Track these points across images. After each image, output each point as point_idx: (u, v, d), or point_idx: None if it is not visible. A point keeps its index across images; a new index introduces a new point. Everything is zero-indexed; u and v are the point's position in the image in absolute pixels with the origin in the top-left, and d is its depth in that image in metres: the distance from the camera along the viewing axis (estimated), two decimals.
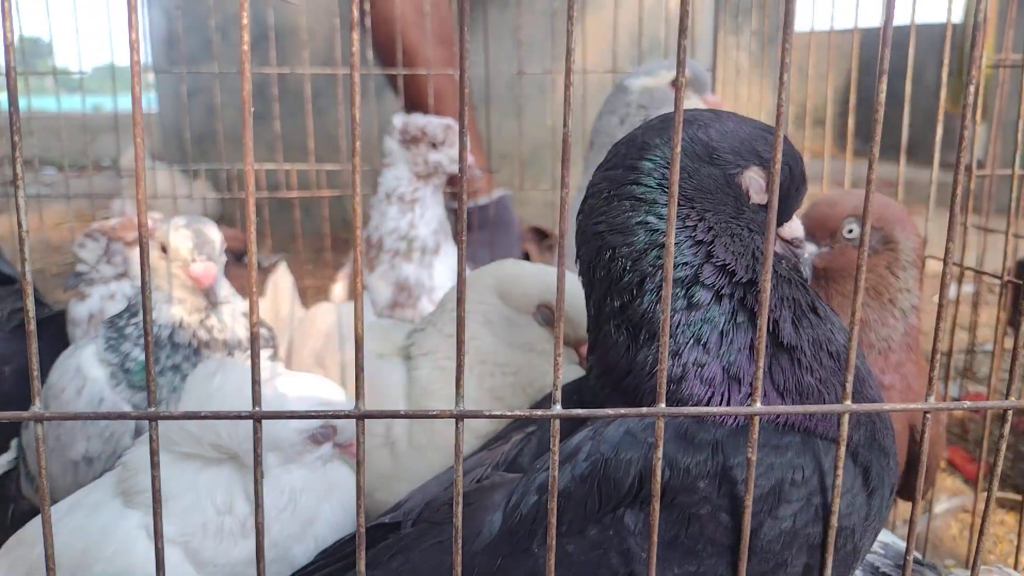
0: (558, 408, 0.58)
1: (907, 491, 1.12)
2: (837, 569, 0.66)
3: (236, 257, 1.91)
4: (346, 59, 1.94)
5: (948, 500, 1.65)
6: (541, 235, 2.66)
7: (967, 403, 0.64)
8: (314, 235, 2.29)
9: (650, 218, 0.67)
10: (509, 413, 0.59)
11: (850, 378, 0.60)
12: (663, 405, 0.58)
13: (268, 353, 1.03)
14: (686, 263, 0.67)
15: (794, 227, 0.75)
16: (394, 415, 0.57)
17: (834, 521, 0.62)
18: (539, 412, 0.59)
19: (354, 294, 0.55)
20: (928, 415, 0.64)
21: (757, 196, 0.70)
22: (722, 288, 0.67)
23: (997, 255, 1.98)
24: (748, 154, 0.68)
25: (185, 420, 0.64)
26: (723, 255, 0.67)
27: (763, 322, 0.58)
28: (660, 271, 0.67)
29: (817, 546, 0.64)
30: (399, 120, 1.53)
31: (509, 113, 2.73)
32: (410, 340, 1.02)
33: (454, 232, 1.61)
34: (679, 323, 0.67)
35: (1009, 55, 1.56)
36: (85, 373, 1.04)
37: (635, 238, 0.68)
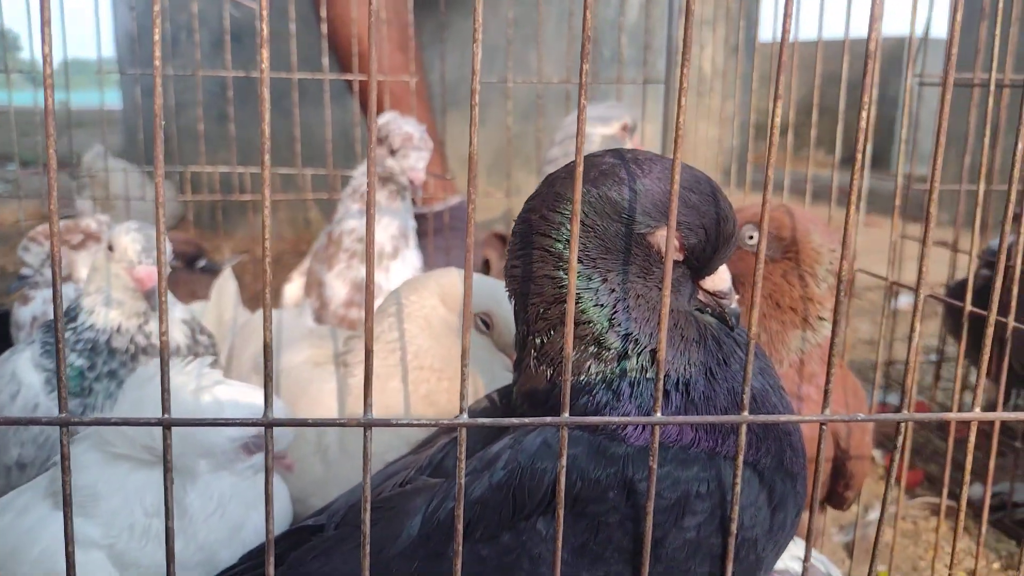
0: (464, 417, 0.60)
1: (834, 498, 1.15)
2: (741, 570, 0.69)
3: (187, 262, 1.91)
4: (303, 63, 1.94)
5: (879, 508, 1.69)
6: (502, 240, 2.68)
7: (861, 415, 0.66)
8: (275, 238, 2.29)
9: (558, 272, 0.69)
10: (416, 422, 0.61)
11: (747, 390, 0.63)
12: (567, 415, 0.61)
13: (209, 360, 1.04)
14: (590, 322, 0.69)
15: (717, 279, 0.74)
16: (302, 423, 0.58)
17: (733, 529, 0.65)
18: (446, 421, 0.61)
19: (263, 306, 0.57)
20: (824, 427, 0.66)
21: (672, 255, 0.71)
22: (627, 350, 0.69)
23: (941, 268, 2.04)
24: (660, 215, 0.68)
25: (96, 427, 0.65)
26: (626, 322, 0.69)
27: (663, 336, 0.61)
28: (580, 329, 0.69)
29: (719, 556, 0.66)
30: (381, 118, 1.54)
31: (468, 118, 2.75)
32: (347, 347, 1.03)
33: (418, 239, 1.62)
34: (592, 370, 0.69)
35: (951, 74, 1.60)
36: (20, 378, 1.04)
37: (544, 289, 0.70)
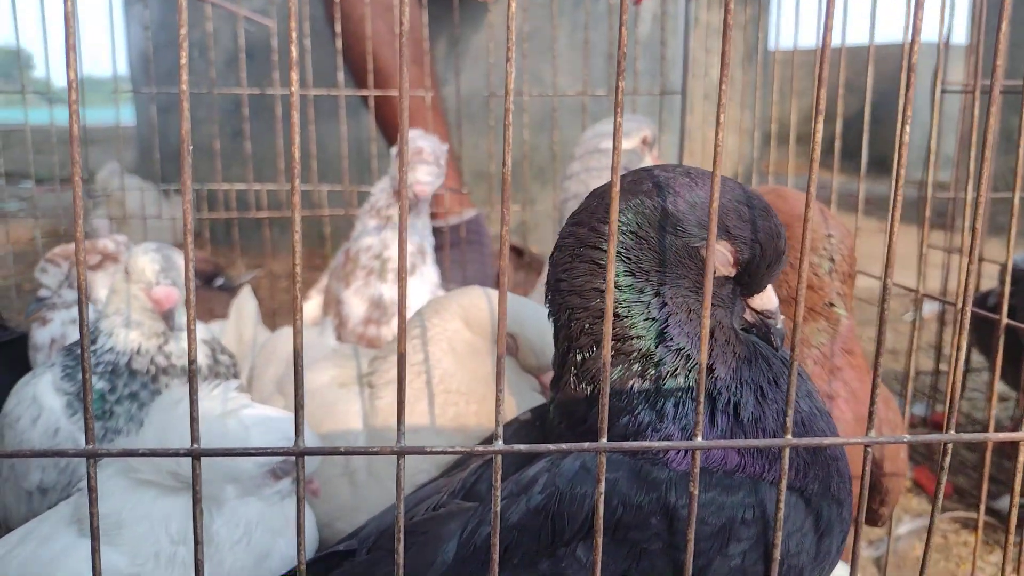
0: (500, 444, 0.58)
1: (868, 514, 1.12)
2: None
3: (205, 280, 1.90)
4: (318, 79, 1.94)
5: (912, 521, 1.66)
6: (518, 253, 2.67)
7: (907, 437, 0.64)
8: (289, 252, 2.29)
9: (598, 284, 0.68)
10: (450, 449, 0.59)
11: (791, 412, 0.61)
12: (604, 440, 0.59)
13: (235, 384, 1.03)
14: (640, 336, 0.68)
15: (766, 298, 0.73)
16: (334, 452, 0.57)
17: (776, 555, 0.63)
18: (481, 448, 0.59)
19: (294, 334, 0.55)
20: (870, 449, 0.64)
21: (723, 269, 0.69)
22: (676, 369, 0.67)
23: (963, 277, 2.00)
24: (717, 229, 0.66)
25: (124, 457, 0.64)
26: (677, 337, 0.67)
27: (703, 357, 0.59)
28: (615, 340, 0.68)
29: None
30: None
31: (483, 132, 2.74)
32: (372, 368, 1.01)
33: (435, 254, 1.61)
34: (635, 389, 0.67)
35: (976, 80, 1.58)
36: (41, 402, 1.03)
37: (592, 303, 0.69)
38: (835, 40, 1.17)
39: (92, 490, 0.55)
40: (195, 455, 0.55)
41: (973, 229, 0.64)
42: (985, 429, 1.29)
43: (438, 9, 2.41)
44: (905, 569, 1.55)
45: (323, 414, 0.96)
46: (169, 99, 3.23)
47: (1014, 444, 0.93)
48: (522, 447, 0.59)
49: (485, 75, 2.17)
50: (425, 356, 0.96)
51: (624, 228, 0.67)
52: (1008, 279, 1.09)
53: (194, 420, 0.55)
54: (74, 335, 1.33)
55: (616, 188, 0.56)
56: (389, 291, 1.46)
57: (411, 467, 0.91)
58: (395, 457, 0.58)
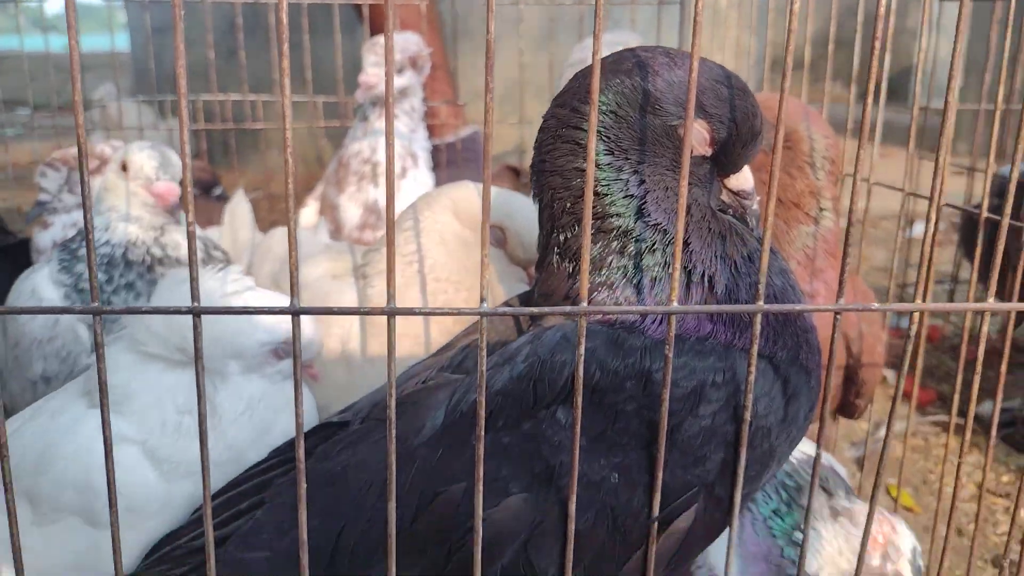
0: (485, 307, 0.61)
1: (846, 407, 1.17)
2: (753, 467, 0.70)
3: (203, 189, 1.92)
4: None
5: (895, 425, 1.72)
6: (515, 173, 2.68)
7: (875, 305, 0.67)
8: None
9: (578, 163, 0.69)
10: (438, 310, 0.62)
11: (763, 279, 0.63)
12: (584, 304, 0.62)
13: (238, 268, 1.05)
14: (619, 214, 0.70)
15: (741, 179, 0.75)
16: (327, 311, 0.60)
17: (747, 416, 0.66)
18: (467, 309, 0.62)
19: (285, 197, 0.57)
20: (839, 316, 0.67)
21: (700, 148, 0.71)
22: (655, 244, 0.70)
23: (958, 192, 2.02)
24: (694, 107, 0.68)
25: (131, 315, 0.67)
26: (655, 213, 0.70)
27: (679, 230, 0.61)
28: (595, 218, 0.70)
29: (733, 443, 0.68)
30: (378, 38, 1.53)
31: (480, 48, 2.71)
32: (365, 260, 1.04)
33: (432, 161, 1.62)
34: (614, 264, 0.70)
35: None
36: (40, 294, 1.06)
37: (573, 182, 0.71)
38: None
39: (99, 346, 0.58)
40: (196, 312, 0.58)
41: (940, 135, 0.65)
42: (976, 339, 1.31)
43: None
44: (885, 469, 1.60)
45: (318, 303, 1.00)
46: (164, 19, 3.18)
47: (998, 353, 0.97)
48: (507, 309, 0.62)
49: None
50: (417, 247, 0.98)
51: (604, 107, 0.69)
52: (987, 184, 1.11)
53: (194, 280, 0.58)
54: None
55: (596, 77, 0.58)
56: (382, 196, 1.48)
57: (403, 351, 0.94)
58: (387, 318, 0.61)
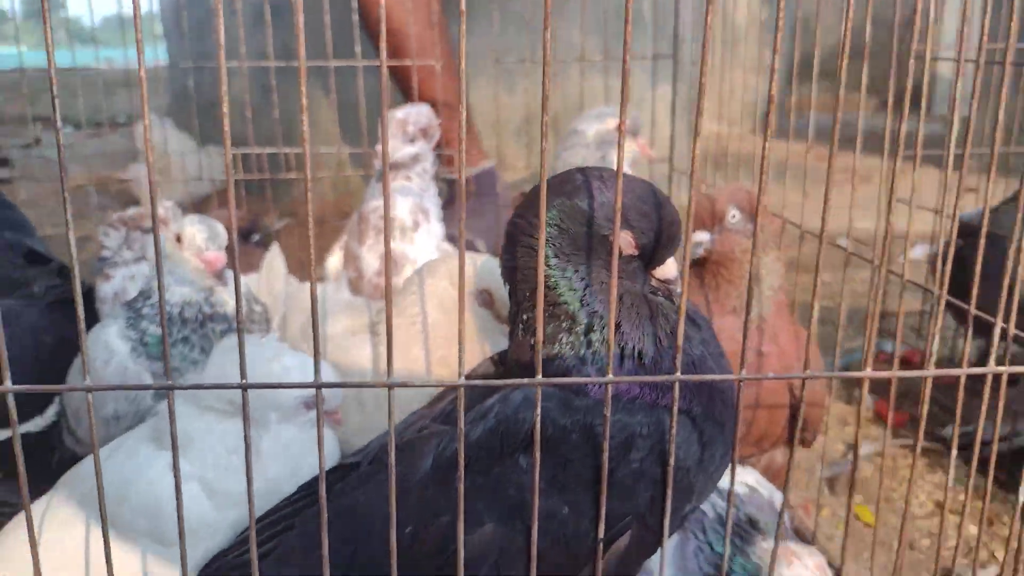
0: (462, 380, 0.80)
1: (800, 439, 1.34)
2: (676, 500, 0.88)
3: (242, 236, 2.14)
4: (338, 45, 2.12)
5: (866, 446, 1.88)
6: None
7: (771, 374, 0.85)
8: (318, 199, 2.50)
9: (533, 264, 0.88)
10: (427, 383, 0.81)
11: (679, 357, 0.82)
12: (540, 376, 0.80)
13: (277, 335, 1.24)
14: (566, 303, 0.89)
15: (664, 270, 0.93)
16: (342, 385, 0.79)
17: (672, 460, 0.84)
18: (448, 382, 0.81)
19: (311, 294, 0.77)
20: (742, 384, 0.85)
21: (627, 250, 0.89)
22: (594, 326, 0.89)
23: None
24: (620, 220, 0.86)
25: (194, 389, 0.87)
26: (593, 303, 0.89)
27: (612, 317, 0.79)
28: (548, 304, 0.88)
29: (659, 482, 0.86)
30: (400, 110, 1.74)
31: (501, 87, 2.90)
32: (378, 318, 1.24)
33: (443, 210, 1.82)
34: (563, 340, 0.89)
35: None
36: (111, 347, 1.28)
37: (528, 277, 0.90)
38: None
39: (171, 413, 0.78)
40: (244, 387, 0.78)
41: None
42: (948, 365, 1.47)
43: None
44: (855, 488, 1.76)
45: (339, 356, 1.19)
46: (199, 46, 3.41)
47: (978, 380, 1.12)
48: (478, 382, 0.81)
49: (490, 33, 2.33)
50: (420, 309, 1.18)
51: (550, 221, 0.88)
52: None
53: (243, 361, 0.78)
54: (133, 289, 1.57)
55: (544, 190, 0.76)
56: (398, 246, 1.67)
57: (406, 399, 1.14)
58: (387, 389, 0.80)
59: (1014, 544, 1.03)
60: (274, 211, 3.09)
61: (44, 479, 1.14)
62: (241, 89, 2.07)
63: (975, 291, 1.03)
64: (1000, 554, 1.55)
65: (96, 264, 1.63)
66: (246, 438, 0.78)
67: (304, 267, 2.24)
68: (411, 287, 1.21)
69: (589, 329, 0.89)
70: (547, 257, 0.88)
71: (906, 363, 2.35)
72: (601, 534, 0.85)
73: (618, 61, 2.33)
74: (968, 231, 1.90)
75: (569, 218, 0.88)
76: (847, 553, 1.46)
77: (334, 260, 1.81)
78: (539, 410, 0.82)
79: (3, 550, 1.05)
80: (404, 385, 0.81)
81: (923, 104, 1.15)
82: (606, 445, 0.83)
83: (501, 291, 1.17)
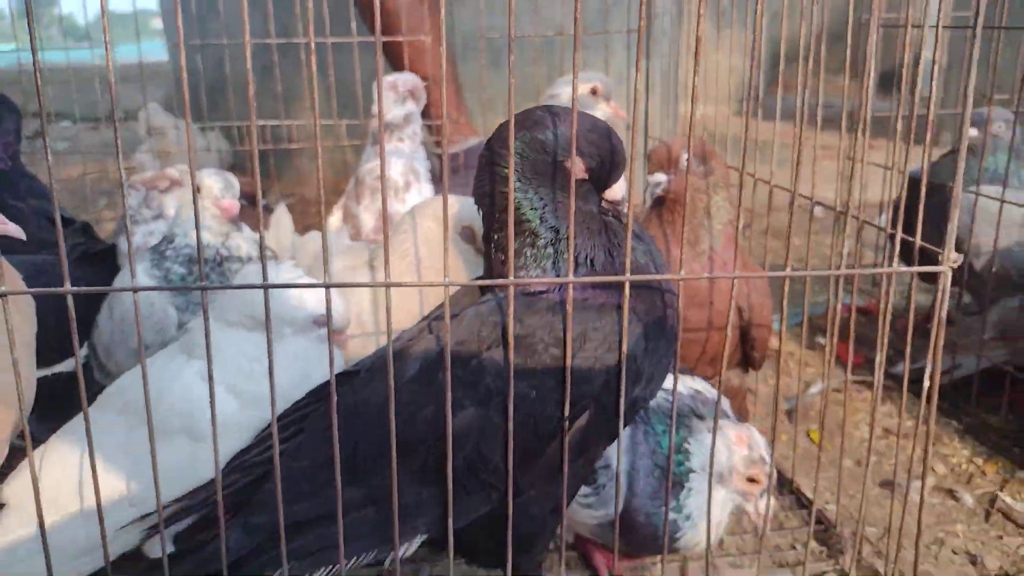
0: (447, 280, 0.96)
1: (746, 360, 1.51)
2: (625, 383, 1.04)
3: (250, 200, 2.30)
4: (335, 23, 2.28)
5: (822, 383, 2.05)
6: None
7: (720, 273, 1.01)
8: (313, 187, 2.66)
9: (506, 188, 1.03)
10: (419, 283, 0.97)
11: (627, 261, 0.98)
12: (511, 277, 0.97)
13: (293, 263, 1.40)
14: (529, 220, 1.04)
15: (612, 192, 1.08)
16: (348, 285, 0.95)
17: (624, 348, 1.01)
18: (435, 282, 0.97)
19: (321, 210, 0.93)
20: (681, 283, 1.01)
21: (579, 174, 1.04)
22: (553, 240, 1.04)
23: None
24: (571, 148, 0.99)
25: (221, 290, 1.03)
26: (552, 220, 1.04)
27: (571, 231, 0.96)
28: (514, 224, 1.04)
29: (612, 369, 1.02)
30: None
31: (488, 65, 3.05)
32: (373, 255, 1.40)
33: (433, 175, 1.98)
34: (528, 254, 1.04)
35: None
36: (139, 283, 1.44)
37: (496, 201, 1.05)
38: None
39: (205, 310, 0.94)
40: (265, 288, 0.94)
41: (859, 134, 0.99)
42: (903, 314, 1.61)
43: None
44: (807, 419, 1.94)
45: (340, 289, 1.36)
46: (202, 32, 3.55)
47: (926, 319, 1.29)
48: (461, 282, 0.97)
49: (479, 16, 2.49)
50: (412, 244, 1.34)
51: (516, 150, 1.03)
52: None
53: (264, 266, 0.94)
54: (151, 244, 1.74)
55: (512, 123, 0.93)
56: (392, 206, 1.84)
57: (398, 323, 1.30)
58: (396, 309, 0.96)
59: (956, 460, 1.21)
60: (277, 187, 3.26)
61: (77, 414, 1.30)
62: (243, 70, 2.22)
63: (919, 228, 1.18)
64: (939, 469, 1.72)
65: (118, 223, 1.79)
66: (268, 335, 0.94)
67: (305, 230, 2.40)
68: (403, 226, 1.37)
69: (549, 243, 1.05)
70: (506, 183, 1.04)
71: (865, 314, 2.53)
72: (567, 413, 1.02)
73: (598, 36, 2.49)
74: (913, 183, 2.08)
75: (531, 148, 1.04)
76: (802, 469, 1.64)
77: (334, 219, 1.97)
78: (511, 310, 0.99)
79: (53, 454, 1.22)
80: (399, 284, 0.97)
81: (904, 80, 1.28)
82: (569, 337, 1.00)
83: (478, 226, 1.34)
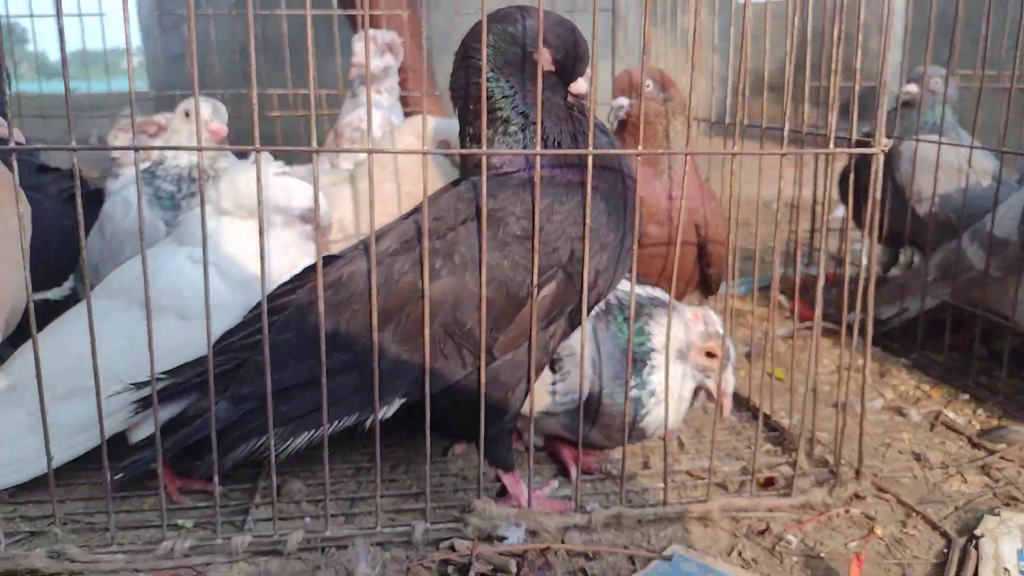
0: (425, 148, 1.06)
1: (704, 282, 1.61)
2: (591, 252, 1.13)
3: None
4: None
5: (783, 328, 2.16)
6: None
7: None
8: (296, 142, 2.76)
9: (479, 79, 1.13)
10: (397, 151, 1.06)
11: (591, 133, 1.08)
12: (484, 148, 1.07)
13: (281, 163, 1.48)
14: (501, 108, 1.14)
15: (577, 86, 1.18)
16: (348, 151, 1.04)
17: (588, 218, 1.10)
18: (414, 150, 1.07)
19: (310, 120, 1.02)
20: (639, 158, 1.11)
21: (547, 65, 1.15)
22: (523, 124, 1.14)
23: None
24: (540, 42, 1.11)
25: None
26: (522, 106, 1.14)
27: (539, 116, 1.06)
28: (493, 114, 1.14)
29: (577, 239, 1.12)
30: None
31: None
32: (354, 173, 1.50)
33: None
34: (501, 142, 1.14)
35: None
36: (130, 200, 1.52)
37: (471, 92, 1.14)
38: None
39: (200, 171, 1.02)
40: (257, 151, 1.02)
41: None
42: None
43: None
44: (773, 360, 2.03)
45: (328, 200, 1.45)
46: (180, 45, 3.64)
47: (880, 280, 1.40)
48: (440, 151, 1.06)
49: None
50: (392, 159, 1.43)
51: (489, 43, 1.13)
52: None
53: (256, 128, 1.02)
54: None
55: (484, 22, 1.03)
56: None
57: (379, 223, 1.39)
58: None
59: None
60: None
61: None
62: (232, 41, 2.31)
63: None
64: (888, 394, 1.82)
65: (106, 165, 1.86)
66: (260, 227, 1.02)
67: None
68: (384, 143, 1.46)
69: (520, 128, 1.15)
70: (480, 75, 1.14)
71: (832, 283, 2.65)
72: (536, 280, 1.11)
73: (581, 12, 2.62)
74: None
75: (503, 40, 1.14)
76: (759, 396, 1.73)
77: None
78: (484, 183, 1.09)
79: (49, 337, 1.28)
80: (382, 151, 1.06)
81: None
82: (536, 209, 1.09)
83: (455, 139, 1.43)
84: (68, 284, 1.73)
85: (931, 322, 1.98)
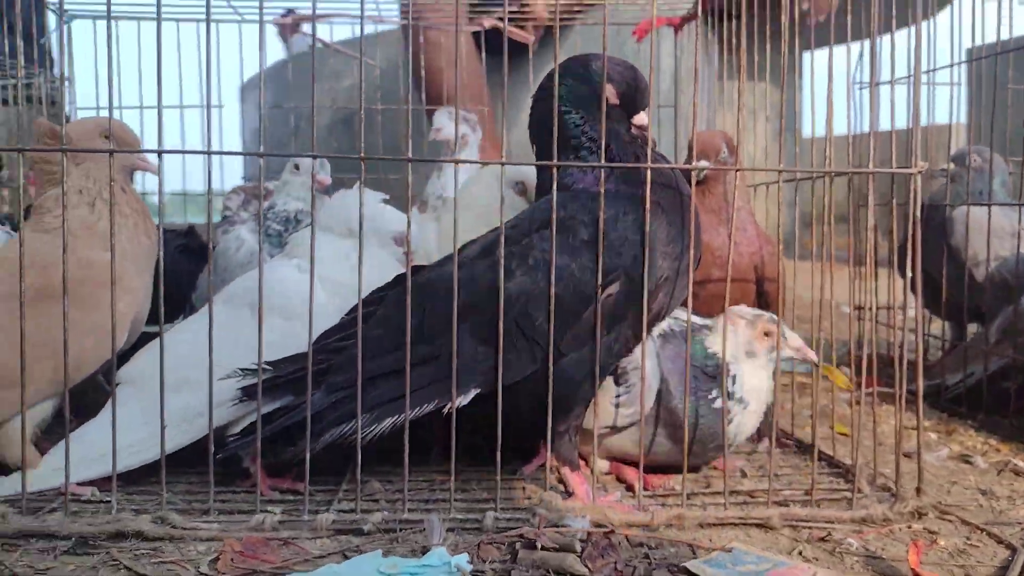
0: (503, 160, 1.22)
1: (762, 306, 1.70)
2: (649, 261, 1.25)
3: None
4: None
5: (845, 394, 2.18)
6: None
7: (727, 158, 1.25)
8: None
9: (551, 110, 1.30)
10: (476, 161, 1.23)
11: (649, 150, 1.23)
12: (555, 160, 1.23)
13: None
14: (575, 137, 1.32)
15: (641, 117, 1.35)
16: (439, 160, 1.21)
17: (647, 228, 1.23)
18: (492, 162, 1.23)
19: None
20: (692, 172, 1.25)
21: (612, 99, 1.33)
22: (592, 149, 1.31)
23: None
24: (607, 80, 1.29)
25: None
26: (590, 133, 1.32)
27: (603, 143, 1.22)
28: (567, 143, 1.31)
29: (636, 244, 1.24)
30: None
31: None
32: (440, 212, 1.67)
33: None
34: (572, 161, 1.31)
35: None
36: (242, 238, 1.75)
37: (545, 125, 1.30)
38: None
39: (312, 173, 1.20)
40: (363, 159, 1.20)
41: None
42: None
43: (493, 62, 3.14)
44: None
45: (416, 223, 1.62)
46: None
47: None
48: (515, 163, 1.22)
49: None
50: (475, 203, 1.60)
51: (563, 82, 1.30)
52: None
53: (360, 136, 1.20)
54: (250, 239, 2.03)
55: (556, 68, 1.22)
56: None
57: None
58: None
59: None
60: None
61: None
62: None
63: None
64: (955, 447, 1.82)
65: (221, 222, 2.10)
66: (360, 246, 1.19)
67: None
68: (468, 186, 1.65)
69: (589, 153, 1.31)
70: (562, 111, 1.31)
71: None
72: (600, 280, 1.23)
73: None
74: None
75: (576, 80, 1.32)
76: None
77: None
78: (554, 196, 1.24)
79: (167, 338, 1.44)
80: (466, 161, 1.23)
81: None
82: (603, 216, 1.23)
83: (530, 182, 1.59)
84: (181, 318, 1.92)
85: (997, 390, 1.99)
